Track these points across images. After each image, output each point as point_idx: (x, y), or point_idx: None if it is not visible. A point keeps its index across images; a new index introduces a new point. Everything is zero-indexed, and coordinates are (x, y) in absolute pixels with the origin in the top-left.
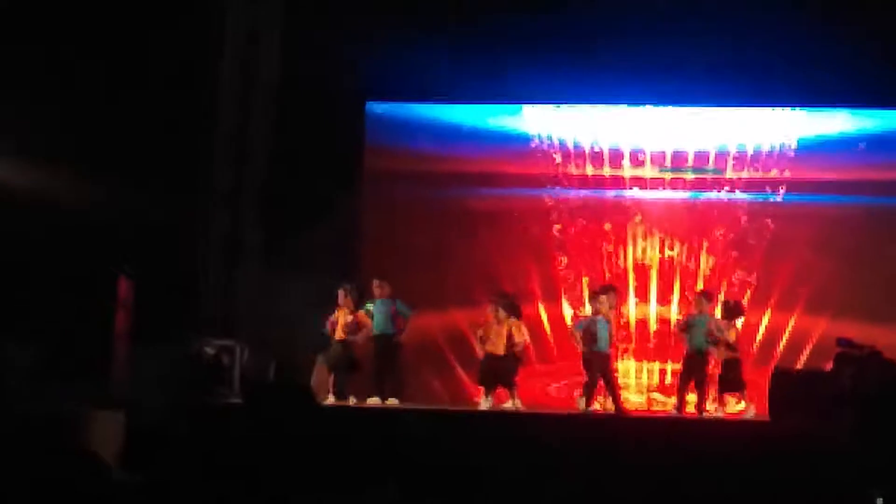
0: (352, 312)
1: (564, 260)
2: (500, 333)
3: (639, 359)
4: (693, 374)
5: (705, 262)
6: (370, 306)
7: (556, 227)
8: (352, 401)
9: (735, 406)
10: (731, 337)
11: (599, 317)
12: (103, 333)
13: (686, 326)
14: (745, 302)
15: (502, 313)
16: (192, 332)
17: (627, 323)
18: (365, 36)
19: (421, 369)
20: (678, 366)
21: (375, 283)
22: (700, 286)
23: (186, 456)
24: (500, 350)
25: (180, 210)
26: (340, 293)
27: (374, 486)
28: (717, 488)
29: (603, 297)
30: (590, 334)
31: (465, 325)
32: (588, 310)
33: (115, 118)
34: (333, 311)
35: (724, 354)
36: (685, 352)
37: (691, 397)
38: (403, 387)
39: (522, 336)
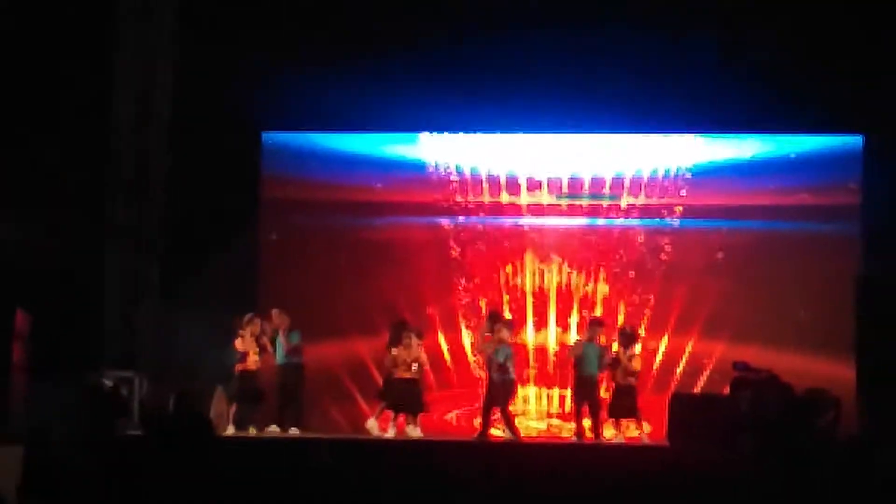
0: (258, 343)
1: (463, 287)
2: (411, 359)
3: (538, 385)
4: (584, 398)
5: (603, 288)
6: (269, 337)
7: (455, 254)
8: (252, 431)
9: (632, 432)
10: (634, 364)
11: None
12: (0, 365)
13: (576, 352)
14: (642, 327)
15: (415, 339)
16: (91, 365)
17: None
18: (259, 67)
19: (321, 398)
20: None
21: (275, 312)
22: (599, 311)
23: (87, 488)
24: (409, 374)
25: (78, 243)
26: (246, 323)
27: None
28: None
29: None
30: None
31: (364, 353)
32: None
33: (12, 151)
34: (237, 341)
35: (623, 379)
36: (574, 377)
37: (587, 422)
38: (304, 416)
39: (425, 362)
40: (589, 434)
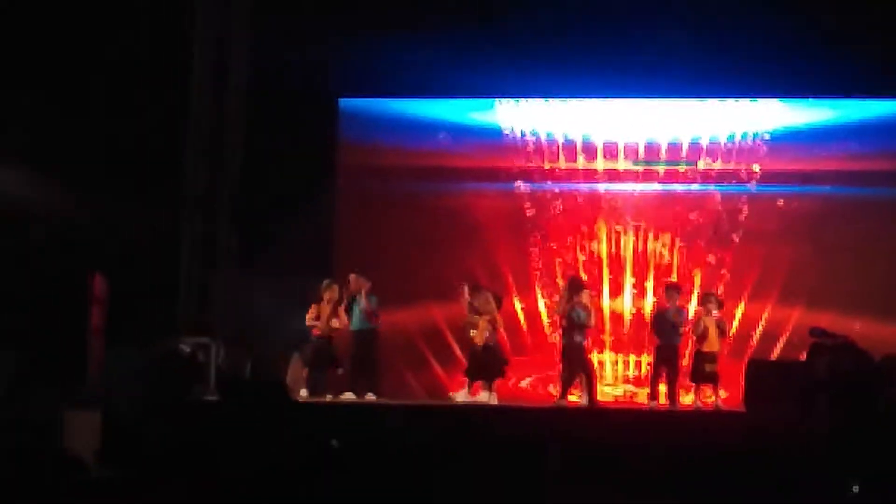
0: (335, 308)
1: (538, 252)
2: (484, 324)
3: (615, 350)
4: (663, 365)
5: (679, 254)
6: (347, 302)
7: (530, 219)
8: (328, 397)
9: (708, 397)
10: (719, 330)
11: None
12: (79, 333)
13: (655, 319)
14: (719, 293)
15: (493, 302)
16: (168, 331)
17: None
18: (336, 33)
19: (396, 364)
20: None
21: (352, 277)
22: (674, 278)
23: (163, 453)
24: (484, 339)
25: (156, 211)
26: (324, 288)
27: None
28: (694, 479)
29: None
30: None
31: (440, 319)
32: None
33: (90, 123)
34: (313, 307)
35: (706, 346)
36: (656, 344)
37: (664, 388)
38: (379, 382)
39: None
40: (664, 400)
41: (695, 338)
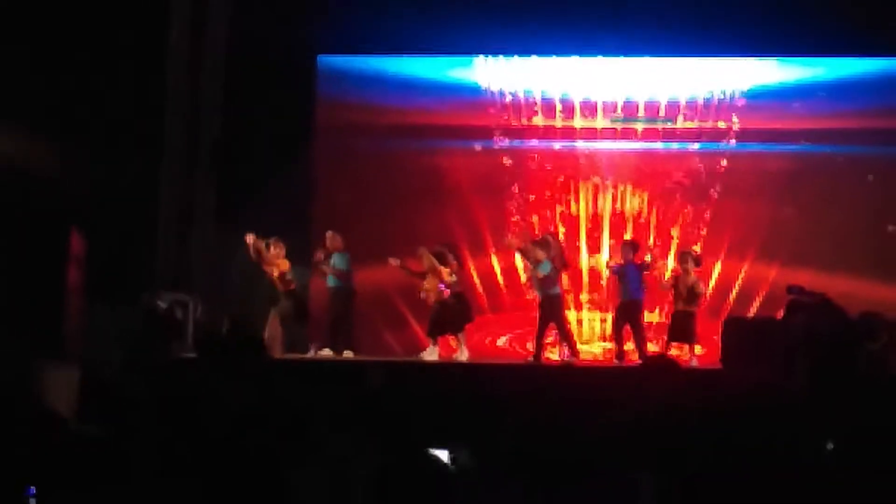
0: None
1: (516, 209)
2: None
3: (592, 309)
4: (625, 322)
5: (656, 212)
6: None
7: (508, 177)
8: (311, 353)
9: (684, 355)
10: (698, 288)
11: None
12: (56, 288)
13: (618, 274)
14: (696, 251)
15: (442, 264)
16: (146, 287)
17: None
18: None
19: (373, 321)
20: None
21: (329, 234)
22: (651, 235)
23: (141, 409)
24: (436, 298)
25: (132, 167)
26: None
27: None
28: (671, 436)
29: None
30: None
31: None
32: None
33: (66, 77)
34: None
35: (683, 304)
36: (618, 301)
37: (629, 346)
38: (355, 339)
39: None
40: (634, 358)
41: (671, 296)
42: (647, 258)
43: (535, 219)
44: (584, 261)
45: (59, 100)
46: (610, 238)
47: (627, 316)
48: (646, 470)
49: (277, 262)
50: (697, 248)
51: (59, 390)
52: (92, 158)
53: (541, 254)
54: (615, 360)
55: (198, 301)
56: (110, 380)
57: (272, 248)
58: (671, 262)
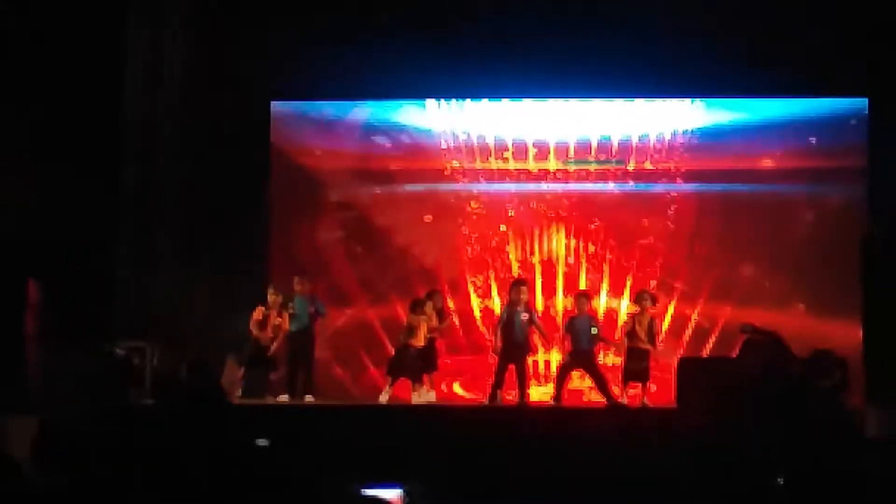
0: (279, 313)
1: (471, 254)
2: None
3: (548, 351)
4: (578, 369)
5: (609, 253)
6: (292, 304)
7: (463, 220)
8: (269, 399)
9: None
10: (655, 327)
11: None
12: (13, 336)
13: (567, 326)
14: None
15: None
16: (103, 335)
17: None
18: (268, 37)
19: (332, 366)
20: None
21: (296, 279)
22: (605, 277)
23: (99, 456)
24: (422, 342)
25: (89, 212)
26: (270, 292)
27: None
28: (625, 475)
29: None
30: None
31: (375, 322)
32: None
33: (23, 119)
34: (256, 310)
35: (638, 343)
36: (570, 350)
37: (594, 395)
38: (314, 384)
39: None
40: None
41: (626, 338)
42: (594, 331)
43: (489, 261)
44: (540, 304)
45: (13, 148)
46: (563, 280)
47: (581, 364)
48: None
49: (275, 310)
50: (652, 286)
51: (15, 438)
52: (48, 207)
53: (525, 296)
54: (552, 401)
55: (155, 348)
56: (68, 427)
57: (271, 296)
58: (625, 303)
